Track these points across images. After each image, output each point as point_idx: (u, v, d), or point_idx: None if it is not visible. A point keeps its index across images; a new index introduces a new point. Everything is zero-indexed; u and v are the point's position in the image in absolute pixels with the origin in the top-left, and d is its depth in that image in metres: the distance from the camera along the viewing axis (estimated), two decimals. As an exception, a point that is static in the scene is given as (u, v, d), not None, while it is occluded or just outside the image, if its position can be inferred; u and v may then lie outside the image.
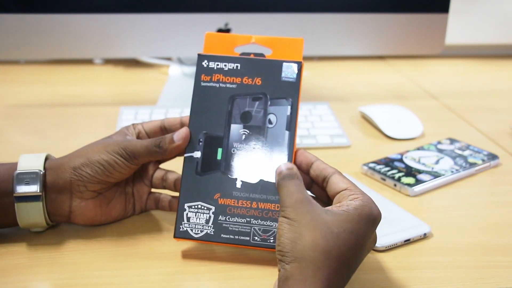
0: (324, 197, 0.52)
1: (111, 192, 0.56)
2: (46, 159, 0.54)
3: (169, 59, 1.16)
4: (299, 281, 0.41)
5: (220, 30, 0.87)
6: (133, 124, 0.58)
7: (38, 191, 0.51)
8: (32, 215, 0.52)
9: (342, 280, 0.43)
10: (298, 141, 0.77)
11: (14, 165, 0.53)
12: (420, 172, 0.68)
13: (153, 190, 0.59)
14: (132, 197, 0.58)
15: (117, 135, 0.56)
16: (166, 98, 0.94)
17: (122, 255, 0.52)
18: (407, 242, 0.55)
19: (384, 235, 0.54)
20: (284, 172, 0.47)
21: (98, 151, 0.53)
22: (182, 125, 0.56)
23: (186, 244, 0.54)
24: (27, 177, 0.51)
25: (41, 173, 0.52)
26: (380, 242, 0.53)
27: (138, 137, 0.57)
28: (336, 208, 0.45)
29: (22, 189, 0.51)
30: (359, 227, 0.44)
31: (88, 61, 1.19)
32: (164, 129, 0.57)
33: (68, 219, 0.54)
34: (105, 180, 0.53)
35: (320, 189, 0.52)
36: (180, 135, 0.53)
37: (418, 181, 0.66)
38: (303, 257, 0.41)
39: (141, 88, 1.04)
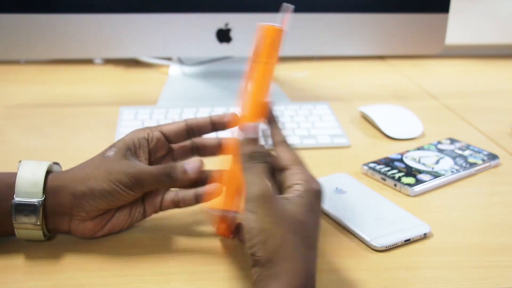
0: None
1: (112, 212, 0.53)
2: (47, 172, 0.51)
3: (169, 59, 1.16)
4: (274, 278, 0.41)
5: (220, 30, 0.87)
6: (149, 129, 0.53)
7: (38, 223, 0.50)
8: (31, 235, 0.51)
9: (312, 263, 0.43)
10: (298, 141, 0.77)
11: (12, 176, 0.50)
12: (420, 172, 0.68)
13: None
14: (141, 204, 0.54)
15: (121, 156, 0.51)
16: (166, 98, 0.94)
17: (122, 255, 0.52)
18: (407, 242, 0.55)
19: (384, 235, 0.54)
20: (247, 150, 0.46)
21: (100, 179, 0.49)
22: (213, 126, 0.54)
23: (186, 244, 0.54)
24: (26, 209, 0.49)
25: (40, 203, 0.49)
26: (380, 242, 0.53)
27: (157, 144, 0.53)
28: (291, 195, 0.45)
29: (22, 219, 0.49)
30: (313, 207, 0.45)
31: (88, 61, 1.19)
32: (192, 132, 0.54)
33: (68, 234, 0.53)
34: (106, 208, 0.51)
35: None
36: (194, 168, 0.50)
37: (418, 181, 0.66)
38: (275, 258, 0.41)
39: (141, 88, 1.04)
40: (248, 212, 0.43)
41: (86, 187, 0.50)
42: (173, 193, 0.54)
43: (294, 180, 0.47)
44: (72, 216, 0.51)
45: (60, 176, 0.52)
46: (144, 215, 0.55)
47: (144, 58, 1.16)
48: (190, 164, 0.51)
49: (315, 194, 0.46)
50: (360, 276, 0.50)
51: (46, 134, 0.82)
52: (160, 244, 0.54)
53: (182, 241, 0.55)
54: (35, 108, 0.91)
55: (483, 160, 0.72)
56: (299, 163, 0.48)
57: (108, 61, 1.20)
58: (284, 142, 0.50)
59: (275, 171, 0.49)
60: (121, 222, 0.54)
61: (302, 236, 0.43)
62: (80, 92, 1.00)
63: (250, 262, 0.43)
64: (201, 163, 0.51)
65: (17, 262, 0.51)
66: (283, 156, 0.49)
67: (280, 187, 0.48)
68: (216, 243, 0.54)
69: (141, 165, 0.51)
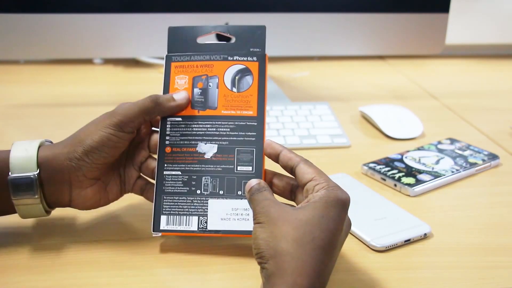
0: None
1: (108, 176, 0.55)
2: (39, 146, 0.52)
3: (169, 59, 1.15)
4: (279, 276, 0.41)
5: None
6: None
7: (36, 196, 0.50)
8: (32, 212, 0.52)
9: (322, 264, 0.43)
10: (298, 141, 0.77)
11: (4, 152, 0.51)
12: (420, 172, 0.68)
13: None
14: (124, 178, 0.57)
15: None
16: (166, 98, 0.94)
17: (122, 255, 0.52)
18: (408, 242, 0.55)
19: (385, 235, 0.54)
20: (253, 188, 0.49)
21: (90, 134, 0.52)
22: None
23: (187, 244, 0.54)
24: (22, 182, 0.50)
25: (36, 176, 0.50)
26: (381, 242, 0.53)
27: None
28: (304, 204, 0.46)
29: (20, 195, 0.50)
30: (329, 211, 0.44)
31: (88, 61, 1.19)
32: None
33: (69, 206, 0.54)
34: (104, 162, 0.52)
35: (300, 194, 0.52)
36: (181, 95, 0.53)
37: (418, 181, 0.66)
38: (277, 252, 0.42)
39: (141, 88, 1.04)
40: (255, 224, 0.45)
41: (80, 146, 0.51)
42: (144, 181, 0.57)
43: (314, 190, 0.47)
44: (71, 183, 0.52)
45: (51, 147, 0.53)
46: (125, 189, 0.57)
47: (144, 58, 1.16)
48: (178, 94, 0.54)
49: (334, 201, 0.45)
50: (360, 276, 0.50)
51: (46, 134, 0.81)
52: (161, 243, 0.54)
53: (182, 241, 0.55)
54: (35, 108, 0.91)
55: (484, 160, 0.72)
56: (323, 174, 0.48)
57: (108, 61, 1.20)
58: (304, 160, 0.50)
59: (297, 190, 0.51)
60: (115, 191, 0.56)
61: (312, 236, 0.43)
62: (80, 92, 1.00)
63: (257, 261, 0.44)
64: (187, 95, 0.54)
65: (17, 262, 0.51)
66: (307, 170, 0.49)
67: (302, 201, 0.48)
68: (217, 243, 0.54)
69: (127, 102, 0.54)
